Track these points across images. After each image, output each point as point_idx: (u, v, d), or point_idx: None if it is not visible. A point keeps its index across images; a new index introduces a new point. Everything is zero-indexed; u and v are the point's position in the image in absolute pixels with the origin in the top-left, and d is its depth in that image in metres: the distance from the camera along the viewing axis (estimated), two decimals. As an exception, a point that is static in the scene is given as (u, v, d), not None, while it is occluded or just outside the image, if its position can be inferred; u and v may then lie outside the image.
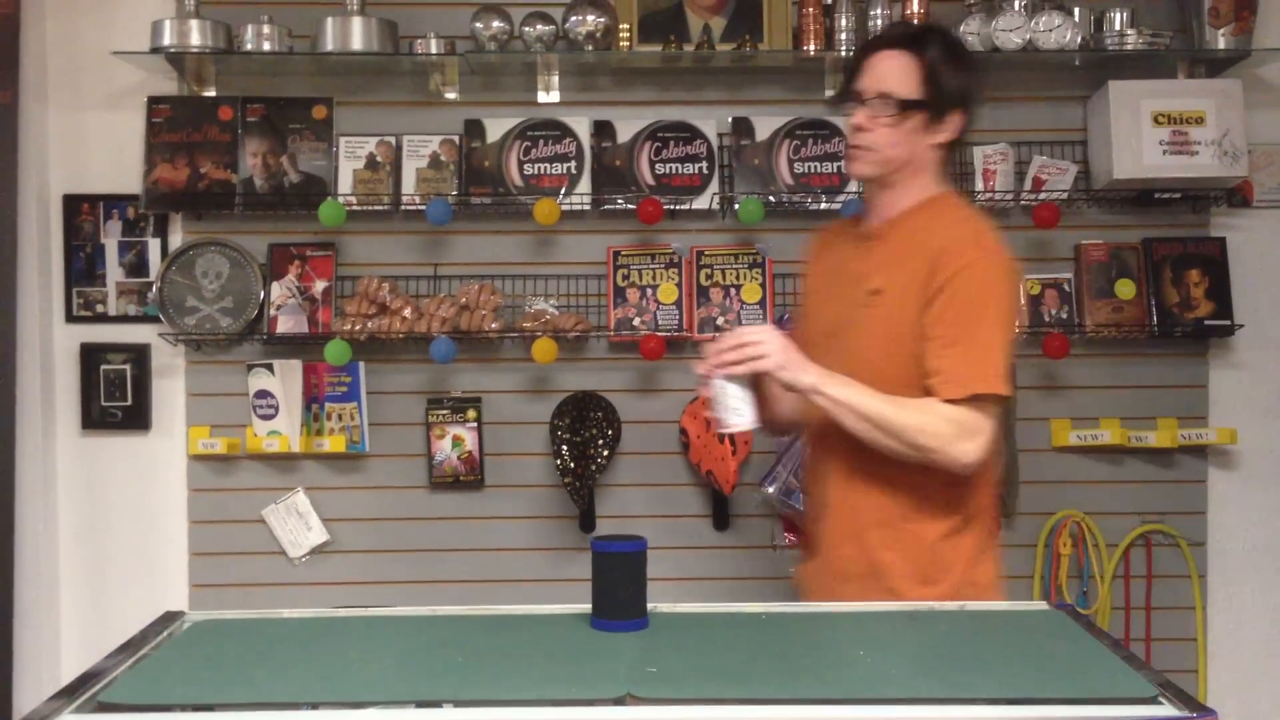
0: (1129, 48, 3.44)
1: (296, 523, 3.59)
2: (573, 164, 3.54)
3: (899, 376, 2.23)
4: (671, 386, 3.58)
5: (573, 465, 3.48)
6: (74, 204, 3.60)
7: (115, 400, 3.59)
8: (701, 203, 3.53)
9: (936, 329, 2.21)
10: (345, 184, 3.54)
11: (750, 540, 3.60)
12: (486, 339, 3.51)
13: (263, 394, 3.52)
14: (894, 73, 2.26)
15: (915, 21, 3.38)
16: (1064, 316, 3.56)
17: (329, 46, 3.42)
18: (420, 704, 1.60)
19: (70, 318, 3.61)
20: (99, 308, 3.61)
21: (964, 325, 2.20)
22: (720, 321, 3.49)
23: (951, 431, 2.18)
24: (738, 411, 2.22)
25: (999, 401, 2.23)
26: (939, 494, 2.28)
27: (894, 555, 2.30)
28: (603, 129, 3.57)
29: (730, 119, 3.57)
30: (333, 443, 3.54)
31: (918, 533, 2.29)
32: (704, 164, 3.53)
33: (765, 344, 2.18)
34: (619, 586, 1.98)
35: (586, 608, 2.02)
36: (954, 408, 2.18)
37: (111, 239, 3.60)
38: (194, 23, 3.40)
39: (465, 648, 1.87)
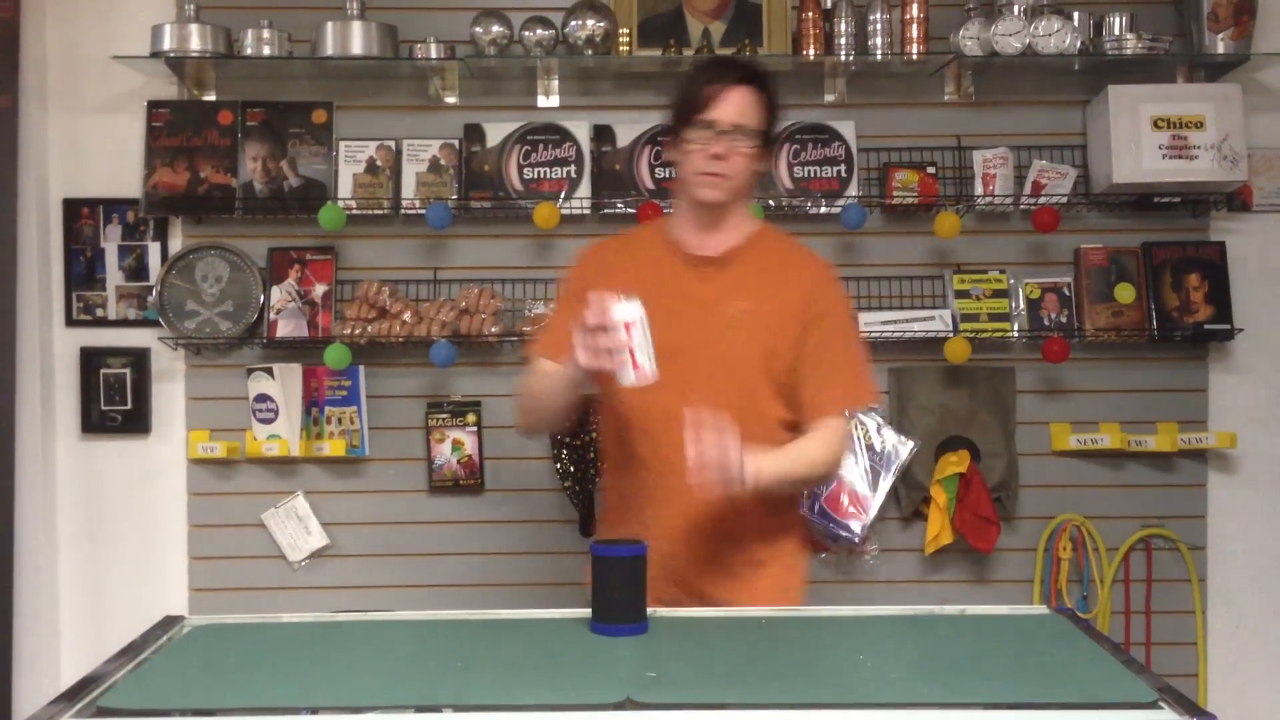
0: (1128, 52, 3.44)
1: (296, 527, 3.59)
2: (572, 168, 3.54)
3: (767, 387, 2.44)
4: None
5: (572, 469, 3.48)
6: (74, 208, 3.60)
7: (115, 404, 3.59)
8: (701, 207, 3.53)
9: (823, 355, 2.45)
10: (345, 188, 3.54)
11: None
12: (486, 343, 3.51)
13: (262, 398, 3.52)
14: (750, 106, 2.40)
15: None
16: (1063, 320, 3.56)
17: (329, 51, 3.42)
18: (420, 708, 1.60)
19: (70, 322, 3.61)
20: (99, 312, 3.61)
21: (844, 351, 2.50)
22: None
23: (843, 447, 2.50)
24: (650, 357, 2.17)
25: None
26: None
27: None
28: (602, 133, 3.58)
29: (730, 123, 3.57)
30: (332, 447, 3.54)
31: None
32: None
33: (731, 463, 2.18)
34: (619, 591, 1.98)
35: (586, 612, 2.03)
36: (836, 423, 2.46)
37: (111, 243, 3.60)
38: (194, 27, 3.40)
39: (465, 652, 1.87)
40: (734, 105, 2.38)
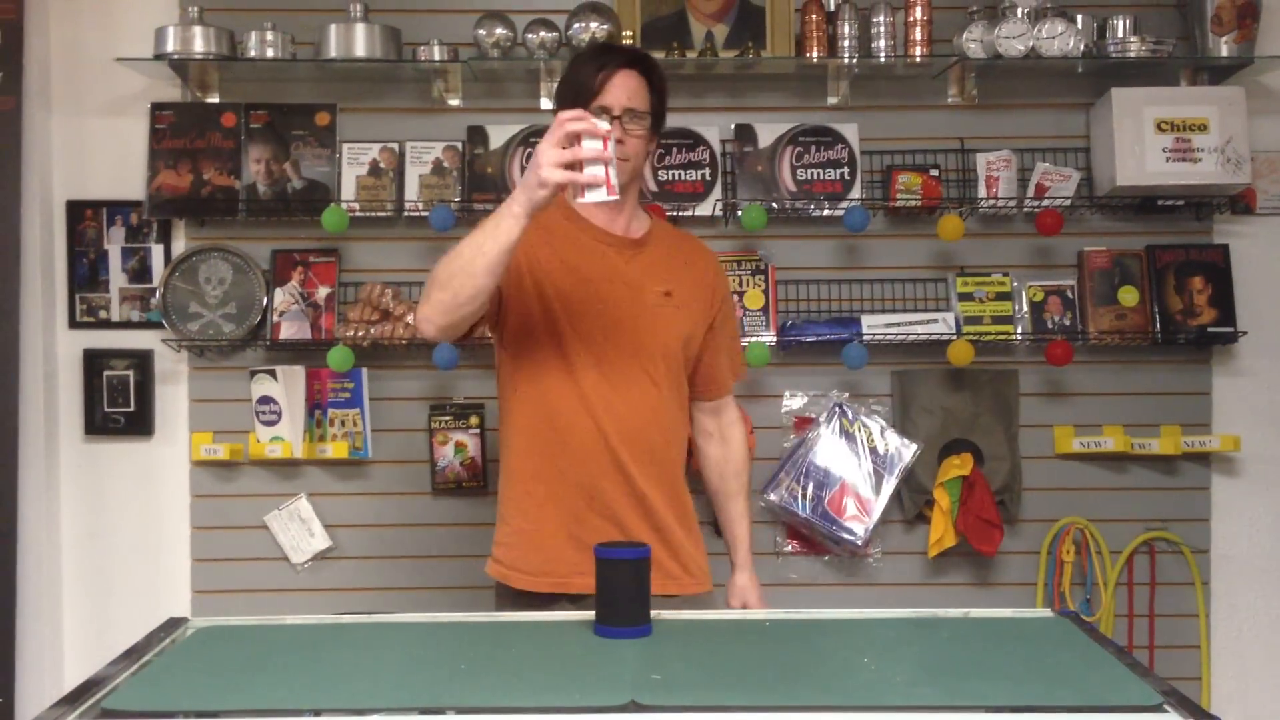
0: (1132, 55, 3.44)
1: (299, 529, 3.59)
2: (576, 170, 3.54)
3: (682, 363, 2.58)
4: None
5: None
6: (77, 210, 3.60)
7: (118, 406, 3.59)
8: (704, 209, 3.54)
9: (721, 338, 2.68)
10: (348, 190, 3.55)
11: (753, 547, 3.59)
12: (489, 345, 3.50)
13: (265, 400, 3.52)
14: (638, 90, 2.48)
15: (918, 27, 3.44)
16: (1067, 323, 3.56)
17: (332, 53, 3.42)
18: (423, 711, 1.60)
19: (73, 324, 3.61)
20: (102, 314, 3.61)
21: (733, 333, 2.77)
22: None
23: (745, 434, 2.84)
24: (615, 175, 2.14)
25: None
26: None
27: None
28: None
29: (733, 126, 3.57)
30: (335, 449, 3.54)
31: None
32: (707, 171, 3.54)
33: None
34: (623, 593, 1.98)
35: (590, 614, 2.02)
36: (735, 407, 2.79)
37: (115, 245, 3.61)
38: (197, 29, 3.40)
39: (468, 654, 1.87)
40: (623, 89, 2.45)
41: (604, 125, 2.14)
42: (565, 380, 2.47)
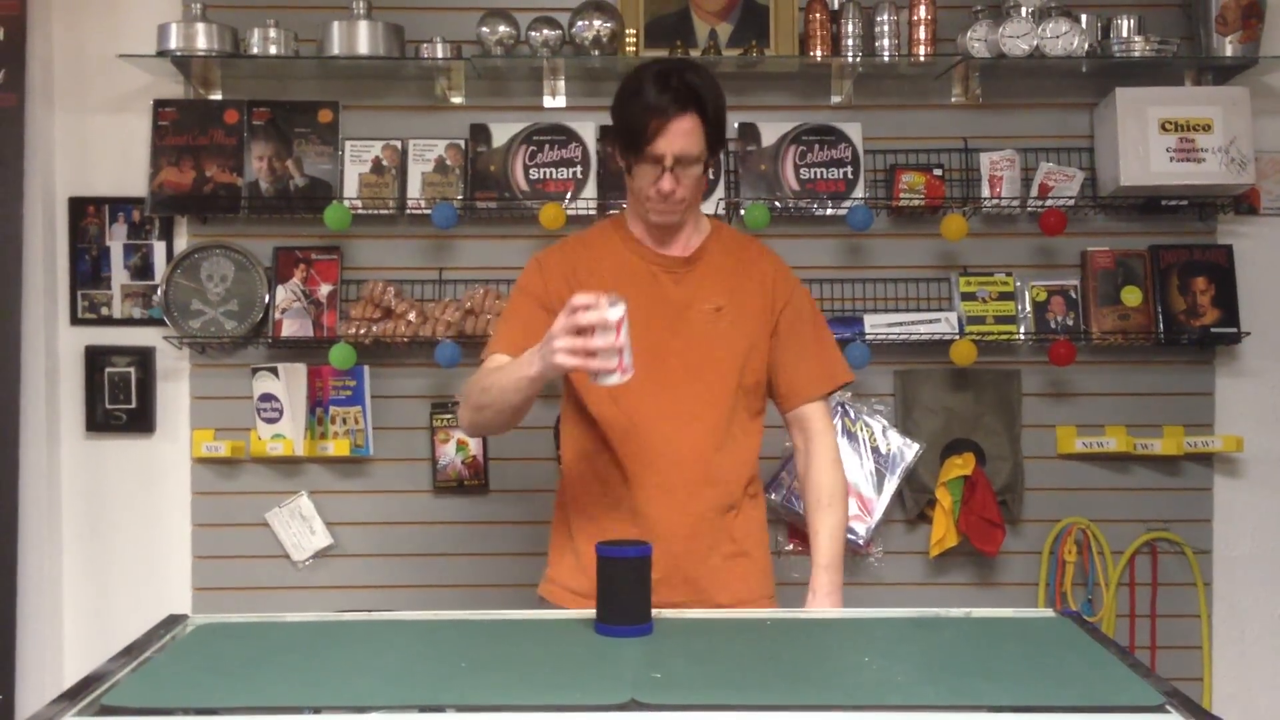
0: (1136, 55, 3.44)
1: (300, 526, 3.59)
2: (578, 169, 3.54)
3: (748, 380, 2.47)
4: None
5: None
6: (79, 206, 3.60)
7: (120, 403, 3.59)
8: (708, 208, 3.52)
9: (794, 341, 2.51)
10: (350, 188, 3.54)
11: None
12: (491, 343, 3.51)
13: (267, 397, 3.52)
14: (691, 133, 2.35)
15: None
16: (1070, 323, 3.55)
17: (335, 50, 3.42)
18: (423, 708, 1.60)
19: (75, 320, 3.61)
20: (104, 310, 3.61)
21: (814, 335, 2.55)
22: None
23: (836, 444, 2.56)
24: (631, 355, 2.11)
25: None
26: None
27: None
28: (608, 134, 3.57)
29: (736, 124, 3.57)
30: (337, 446, 3.54)
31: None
32: (710, 171, 3.52)
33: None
34: (624, 592, 1.97)
35: (591, 613, 2.02)
36: (824, 417, 2.53)
37: (117, 242, 3.61)
38: (200, 26, 3.40)
39: (468, 652, 1.87)
40: (678, 138, 2.33)
41: (616, 312, 2.07)
42: (611, 408, 2.42)
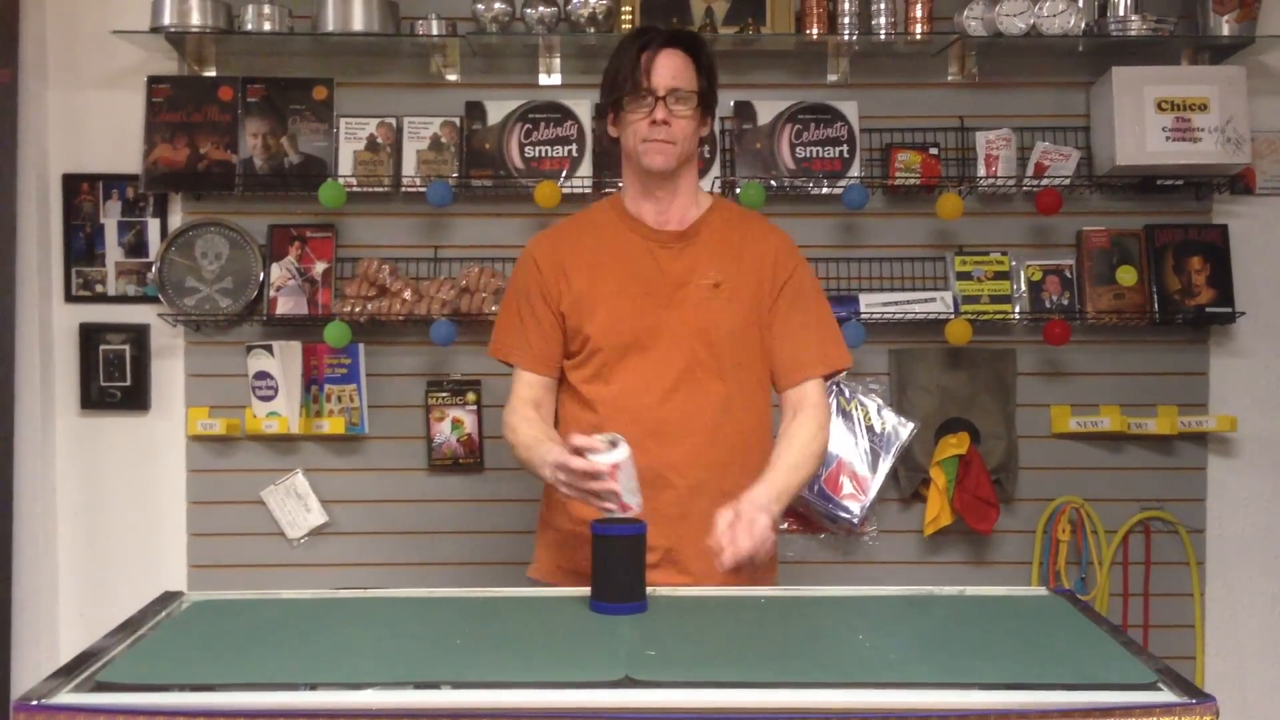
0: (1133, 34, 3.43)
1: (295, 504, 3.59)
2: (574, 147, 3.53)
3: (745, 355, 2.45)
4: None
5: (572, 449, 3.48)
6: (73, 184, 3.59)
7: (114, 380, 3.58)
8: (703, 186, 3.52)
9: (794, 319, 2.47)
10: (345, 165, 3.53)
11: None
12: (486, 322, 3.49)
13: (262, 375, 3.51)
14: (683, 70, 2.38)
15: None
16: (1065, 303, 3.56)
17: (330, 27, 3.41)
18: (418, 685, 1.60)
19: (69, 298, 3.60)
20: (98, 288, 3.60)
21: (817, 314, 2.50)
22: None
23: (828, 422, 2.48)
24: (635, 493, 2.13)
25: None
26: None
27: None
28: (602, 108, 3.55)
29: (732, 103, 3.56)
30: (332, 424, 3.54)
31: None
32: (706, 148, 3.52)
33: (761, 529, 2.16)
34: (618, 569, 1.98)
35: (585, 591, 2.03)
36: (817, 397, 2.45)
37: (111, 219, 3.60)
38: (194, 2, 3.38)
39: (463, 630, 1.88)
40: (667, 69, 2.36)
41: (612, 457, 2.09)
42: (604, 388, 2.42)
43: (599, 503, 2.12)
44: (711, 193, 2.66)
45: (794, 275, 2.49)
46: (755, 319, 2.45)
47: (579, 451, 2.13)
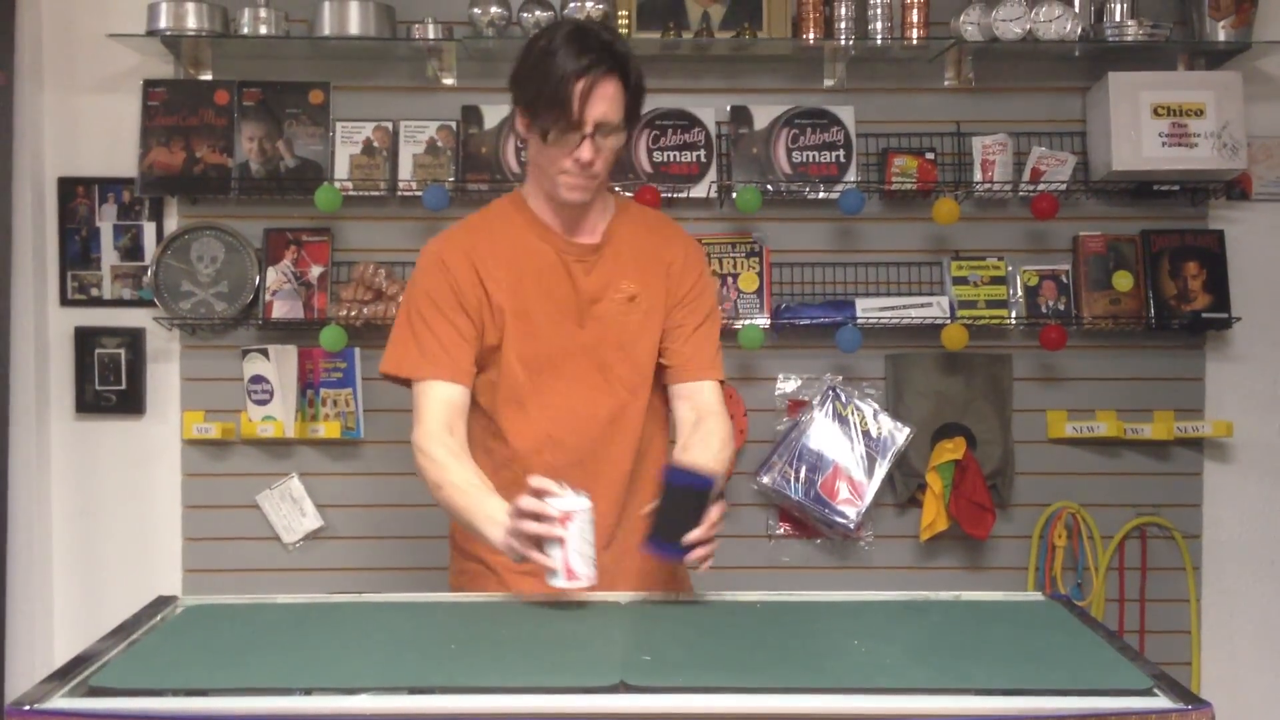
0: (1129, 39, 3.43)
1: (291, 508, 3.58)
2: (570, 151, 3.52)
3: (654, 366, 2.38)
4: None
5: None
6: (69, 187, 3.59)
7: (109, 384, 3.58)
8: (699, 191, 3.52)
9: (689, 320, 2.38)
10: (342, 169, 3.53)
11: (745, 529, 3.60)
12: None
13: (258, 379, 3.51)
14: (615, 98, 2.19)
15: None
16: (1061, 308, 3.56)
17: (326, 30, 3.41)
18: (413, 690, 1.60)
19: (65, 301, 3.59)
20: (93, 291, 3.59)
21: (710, 328, 2.42)
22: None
23: (731, 434, 2.39)
24: (587, 561, 1.99)
25: None
26: None
27: None
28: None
29: (729, 107, 3.56)
30: (327, 428, 3.53)
31: None
32: (702, 152, 3.52)
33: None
34: (681, 518, 2.02)
35: (580, 597, 2.02)
36: (719, 403, 2.38)
37: (106, 222, 3.59)
38: (190, 5, 3.38)
39: (458, 634, 1.87)
40: (601, 103, 2.17)
41: (563, 505, 1.96)
42: (517, 415, 2.33)
43: (540, 558, 1.97)
44: (613, 189, 2.54)
45: (698, 283, 2.41)
46: (661, 326, 2.37)
47: (537, 494, 1.99)
